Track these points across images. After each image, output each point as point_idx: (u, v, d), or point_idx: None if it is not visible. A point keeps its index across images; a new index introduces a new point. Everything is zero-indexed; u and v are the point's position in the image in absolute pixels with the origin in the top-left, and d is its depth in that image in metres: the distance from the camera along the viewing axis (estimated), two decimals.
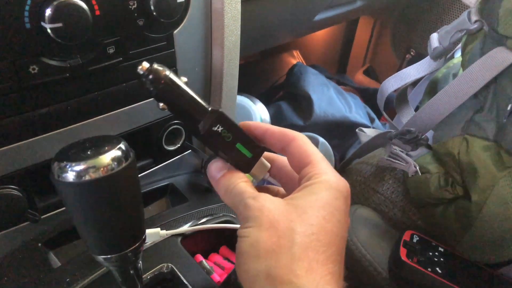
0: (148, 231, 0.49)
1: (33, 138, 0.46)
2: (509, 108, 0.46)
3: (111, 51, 0.47)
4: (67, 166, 0.34)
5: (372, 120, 1.08)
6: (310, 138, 0.85)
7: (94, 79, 0.48)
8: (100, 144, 0.36)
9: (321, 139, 0.84)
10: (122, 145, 0.36)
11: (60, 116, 0.47)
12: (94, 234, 0.38)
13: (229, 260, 0.54)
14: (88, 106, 0.49)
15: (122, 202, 0.37)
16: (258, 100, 0.89)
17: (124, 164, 0.35)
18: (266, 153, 0.38)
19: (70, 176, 0.34)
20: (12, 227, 0.48)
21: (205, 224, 0.54)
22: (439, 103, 0.54)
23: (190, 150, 0.63)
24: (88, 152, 0.35)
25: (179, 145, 0.61)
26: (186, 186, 0.63)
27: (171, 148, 0.60)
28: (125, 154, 0.36)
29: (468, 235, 0.52)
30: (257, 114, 0.86)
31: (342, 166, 0.80)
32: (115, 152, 0.35)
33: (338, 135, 0.96)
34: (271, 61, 1.43)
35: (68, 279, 0.47)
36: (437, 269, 0.50)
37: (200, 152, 0.64)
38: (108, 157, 0.35)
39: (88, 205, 0.36)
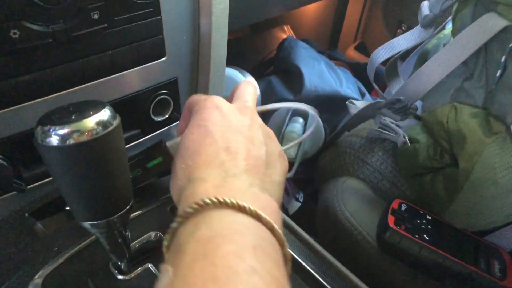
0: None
1: (17, 106, 0.45)
2: (498, 74, 0.46)
3: (96, 16, 0.46)
4: (51, 130, 0.34)
5: (362, 95, 1.08)
6: (301, 110, 0.84)
7: (78, 46, 0.46)
8: (84, 108, 0.35)
9: (311, 112, 0.83)
10: (107, 109, 0.35)
11: (44, 83, 0.46)
12: (80, 199, 0.37)
13: None
14: (72, 74, 0.48)
15: (107, 167, 0.36)
16: (248, 73, 0.88)
17: (109, 128, 0.35)
18: None
19: (54, 140, 0.33)
20: None
21: None
22: (428, 72, 0.53)
23: (178, 122, 0.63)
24: (73, 116, 0.35)
25: (167, 116, 0.60)
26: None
27: (159, 118, 0.60)
28: (110, 118, 0.35)
29: (455, 203, 0.53)
30: None
31: (332, 139, 0.80)
32: (100, 116, 0.35)
33: (329, 109, 0.95)
34: (261, 36, 1.42)
35: (55, 248, 0.47)
36: (425, 235, 0.51)
37: None
38: (92, 121, 0.34)
39: (73, 170, 0.35)
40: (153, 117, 0.59)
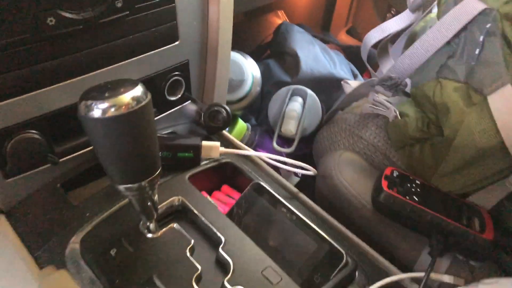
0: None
1: (50, 87, 0.50)
2: (477, 52, 0.52)
3: (119, 4, 0.51)
4: (93, 105, 0.39)
5: (355, 76, 1.14)
6: (299, 90, 0.90)
7: (104, 31, 0.52)
8: (120, 85, 0.41)
9: (309, 91, 0.89)
10: (140, 86, 0.41)
11: (73, 66, 0.51)
12: (117, 165, 0.43)
13: (230, 197, 0.60)
14: (97, 58, 0.53)
15: (140, 136, 0.42)
16: (249, 56, 0.93)
17: (142, 103, 0.40)
18: None
19: (96, 113, 0.39)
20: (34, 169, 0.53)
21: (207, 165, 0.60)
22: (416, 51, 0.59)
23: (189, 101, 0.68)
24: (111, 92, 0.40)
25: (180, 95, 0.66)
26: (186, 134, 0.69)
27: (173, 98, 0.65)
28: (143, 94, 0.41)
29: (441, 168, 0.59)
30: (248, 69, 0.90)
31: (328, 116, 0.86)
32: (135, 92, 0.40)
33: (324, 90, 1.01)
34: (256, 21, 1.46)
35: (88, 214, 0.53)
36: (414, 197, 0.57)
37: (198, 102, 0.69)
38: (128, 96, 0.40)
39: (111, 139, 0.41)
40: (167, 96, 0.64)
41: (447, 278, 0.54)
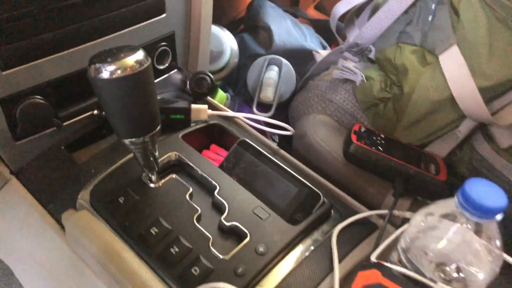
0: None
1: (51, 56, 0.55)
2: (430, 18, 0.61)
3: None
4: (101, 67, 0.45)
5: (324, 48, 1.21)
6: (275, 59, 0.97)
7: (100, 4, 0.56)
8: (124, 50, 0.46)
9: (284, 60, 0.96)
10: (141, 51, 0.47)
11: (71, 37, 0.56)
12: (123, 120, 0.49)
13: (218, 154, 0.67)
14: (94, 29, 0.58)
15: (143, 95, 0.48)
16: (226, 29, 0.99)
17: (144, 65, 0.46)
18: None
19: (105, 74, 0.45)
20: (40, 132, 0.58)
21: (197, 126, 0.67)
22: (379, 20, 0.67)
23: (176, 70, 0.74)
24: (116, 57, 0.46)
25: (167, 64, 0.71)
26: (175, 100, 0.75)
27: (161, 67, 0.71)
28: (144, 58, 0.46)
29: (402, 122, 0.68)
30: (227, 41, 0.96)
31: (302, 84, 0.93)
32: (137, 56, 0.46)
33: (297, 61, 1.07)
34: None
35: (93, 170, 0.58)
36: (379, 147, 0.66)
37: (184, 71, 0.75)
38: (132, 60, 0.45)
39: (118, 97, 0.47)
40: (156, 66, 0.70)
41: (408, 214, 0.63)
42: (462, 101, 0.59)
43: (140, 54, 0.46)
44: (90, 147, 0.63)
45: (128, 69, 0.45)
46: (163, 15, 0.66)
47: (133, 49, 0.47)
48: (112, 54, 0.46)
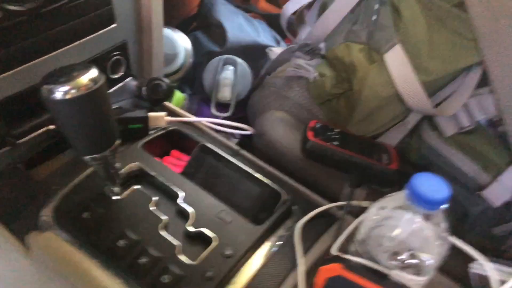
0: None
1: (1, 75, 0.54)
2: (373, 18, 0.64)
3: None
4: (54, 88, 0.44)
5: (277, 42, 1.23)
6: (229, 59, 0.98)
7: (46, 20, 0.56)
8: (76, 69, 0.46)
9: (238, 60, 0.97)
10: (94, 69, 0.47)
11: (21, 54, 0.55)
12: (82, 139, 0.49)
13: (180, 159, 0.68)
14: (43, 45, 0.57)
15: (100, 112, 0.48)
16: (178, 30, 0.99)
17: (99, 83, 0.46)
18: None
19: (58, 95, 0.44)
20: None
21: (156, 134, 0.67)
22: (326, 20, 0.70)
23: (130, 77, 0.74)
24: (69, 76, 0.45)
25: (121, 73, 0.71)
26: (132, 108, 0.75)
27: (115, 76, 0.70)
28: (98, 75, 0.47)
29: (353, 116, 0.71)
30: (180, 43, 0.96)
31: (258, 81, 0.95)
32: (91, 74, 0.46)
33: (251, 57, 1.09)
34: None
35: (53, 187, 0.58)
36: (334, 142, 0.69)
37: (139, 78, 0.75)
38: (86, 78, 0.46)
39: (75, 116, 0.47)
40: (110, 75, 0.69)
41: (365, 204, 0.67)
42: (407, 96, 0.63)
43: (93, 72, 0.46)
44: (48, 162, 0.62)
45: (82, 88, 0.45)
46: (114, 25, 0.66)
47: (86, 67, 0.47)
48: (65, 73, 0.46)
